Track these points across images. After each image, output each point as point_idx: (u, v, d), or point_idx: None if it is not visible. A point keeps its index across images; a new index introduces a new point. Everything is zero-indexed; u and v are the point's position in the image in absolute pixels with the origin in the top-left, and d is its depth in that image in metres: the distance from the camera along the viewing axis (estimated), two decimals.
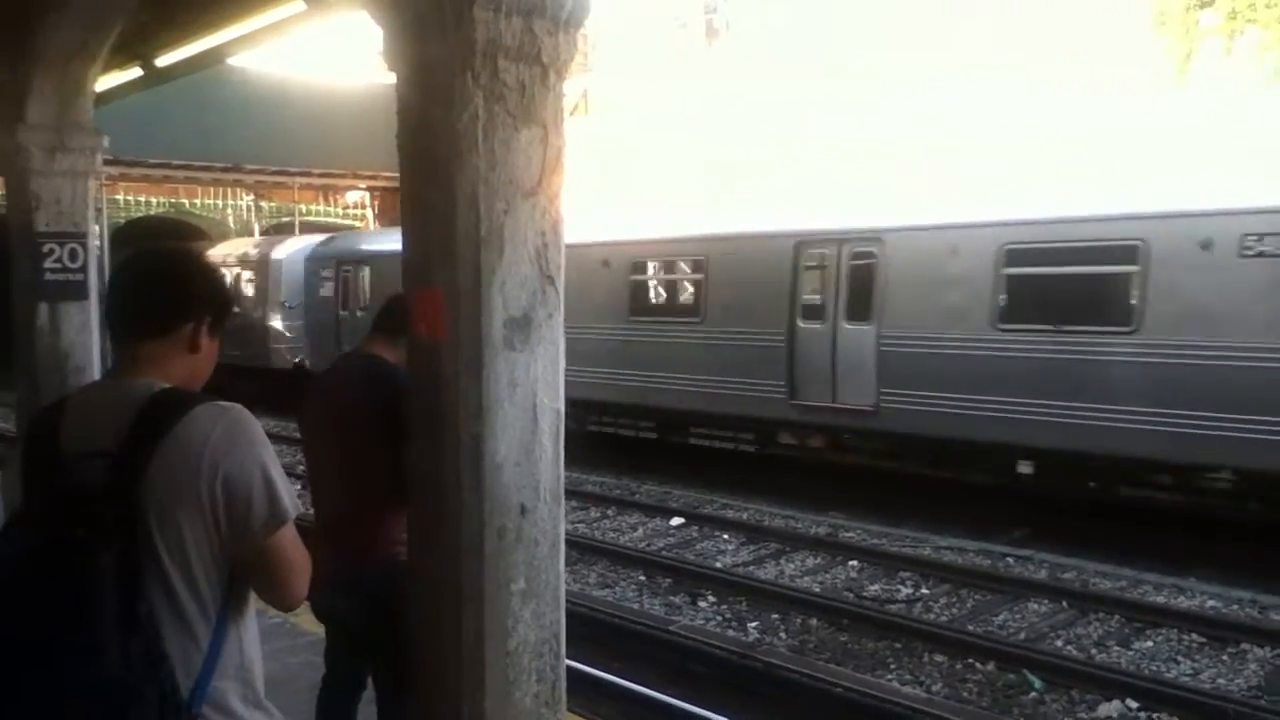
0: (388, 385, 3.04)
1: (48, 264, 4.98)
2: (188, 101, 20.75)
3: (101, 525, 1.80)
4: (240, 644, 1.98)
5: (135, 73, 5.62)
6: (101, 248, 24.40)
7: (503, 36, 2.51)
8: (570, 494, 12.63)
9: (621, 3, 27.60)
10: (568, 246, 2.73)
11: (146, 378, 1.99)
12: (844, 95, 21.06)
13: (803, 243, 12.81)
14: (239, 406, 1.96)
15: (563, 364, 2.77)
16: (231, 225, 26.01)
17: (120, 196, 24.32)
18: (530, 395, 2.67)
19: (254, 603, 2.05)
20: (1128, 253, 10.24)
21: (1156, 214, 10.23)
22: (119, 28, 4.73)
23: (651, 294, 15.08)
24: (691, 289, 14.28)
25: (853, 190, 15.45)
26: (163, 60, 5.46)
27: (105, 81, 5.83)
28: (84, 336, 5.25)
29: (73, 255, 5.04)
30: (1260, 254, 9.31)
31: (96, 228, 23.49)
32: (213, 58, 5.51)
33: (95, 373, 5.32)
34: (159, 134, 21.85)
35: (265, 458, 1.93)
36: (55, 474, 1.90)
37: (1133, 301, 10.19)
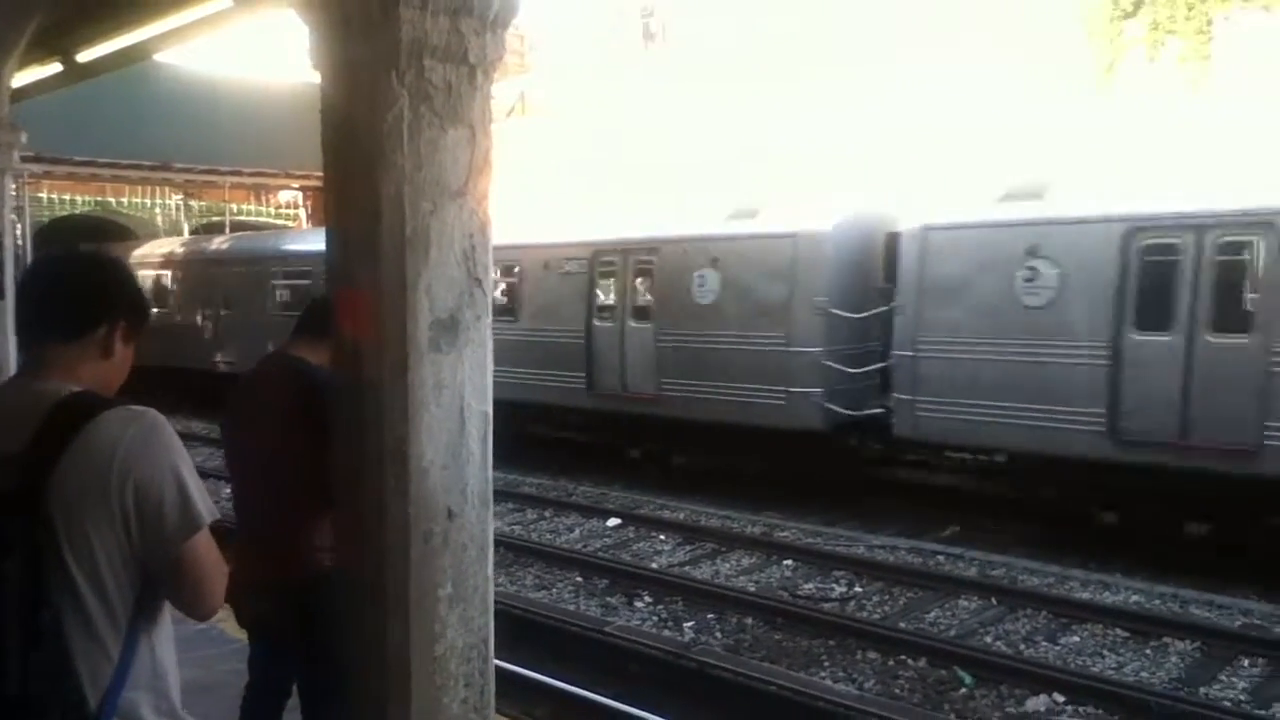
0: (310, 387, 3.00)
1: None
2: (115, 98, 20.32)
3: (2, 532, 1.76)
4: (153, 653, 1.94)
5: (55, 68, 5.47)
6: (23, 247, 23.81)
7: (429, 36, 2.49)
8: (507, 495, 12.79)
9: (559, 5, 27.55)
10: None
11: (55, 381, 1.94)
12: (751, 102, 21.28)
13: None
14: (152, 411, 1.92)
15: (491, 366, 2.75)
16: (160, 225, 25.47)
17: (44, 195, 23.72)
18: (458, 398, 2.65)
19: (170, 610, 2.00)
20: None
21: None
22: (35, 22, 4.60)
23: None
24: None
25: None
26: (84, 56, 5.31)
27: (24, 76, 5.68)
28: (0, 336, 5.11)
29: None
30: None
31: (17, 226, 22.94)
32: (137, 54, 5.37)
33: (10, 371, 5.16)
34: (86, 131, 21.36)
35: (179, 463, 1.89)
36: None
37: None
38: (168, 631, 1.99)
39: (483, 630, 2.76)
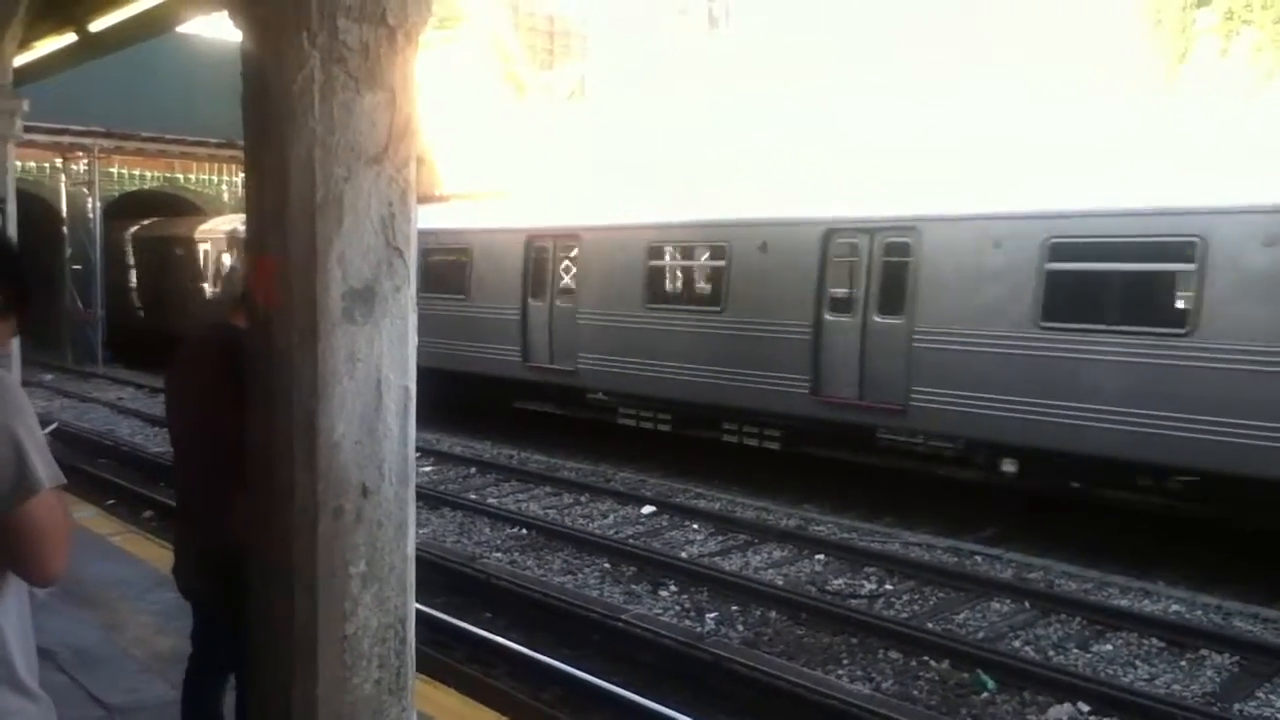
0: (235, 355, 2.94)
1: None
2: (182, 76, 20.72)
3: None
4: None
5: (70, 38, 5.49)
6: (94, 219, 24.47)
7: None
8: (544, 479, 12.77)
9: None
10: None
11: None
12: (809, 95, 21.03)
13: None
14: (4, 375, 1.90)
15: (414, 339, 2.66)
16: (226, 201, 25.94)
17: (114, 169, 24.28)
18: (374, 371, 2.57)
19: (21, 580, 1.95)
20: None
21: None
22: None
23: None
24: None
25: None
26: (96, 25, 5.33)
27: (42, 47, 5.73)
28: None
29: None
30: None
31: (89, 198, 23.40)
32: (150, 23, 5.37)
33: (15, 340, 5.22)
34: (155, 109, 21.80)
35: (16, 425, 1.85)
36: None
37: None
38: (15, 600, 1.93)
39: (400, 610, 2.69)
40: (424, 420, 2.84)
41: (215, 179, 25.64)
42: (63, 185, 24.13)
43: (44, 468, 1.86)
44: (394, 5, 2.47)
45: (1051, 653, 7.82)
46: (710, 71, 23.20)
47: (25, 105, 5.07)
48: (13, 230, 5.08)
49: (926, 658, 7.58)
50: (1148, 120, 14.29)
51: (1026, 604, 8.74)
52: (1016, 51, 17.84)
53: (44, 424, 2.31)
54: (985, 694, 7.07)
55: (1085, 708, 6.82)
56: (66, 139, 22.49)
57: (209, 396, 3.01)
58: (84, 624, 5.36)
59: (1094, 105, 16.18)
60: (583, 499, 12.39)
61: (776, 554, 10.26)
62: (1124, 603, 8.84)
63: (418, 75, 2.59)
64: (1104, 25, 16.29)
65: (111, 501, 10.00)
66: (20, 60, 5.35)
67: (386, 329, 2.57)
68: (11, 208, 5.09)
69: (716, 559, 10.08)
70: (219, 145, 24.02)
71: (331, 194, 2.45)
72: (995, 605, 8.75)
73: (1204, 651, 7.77)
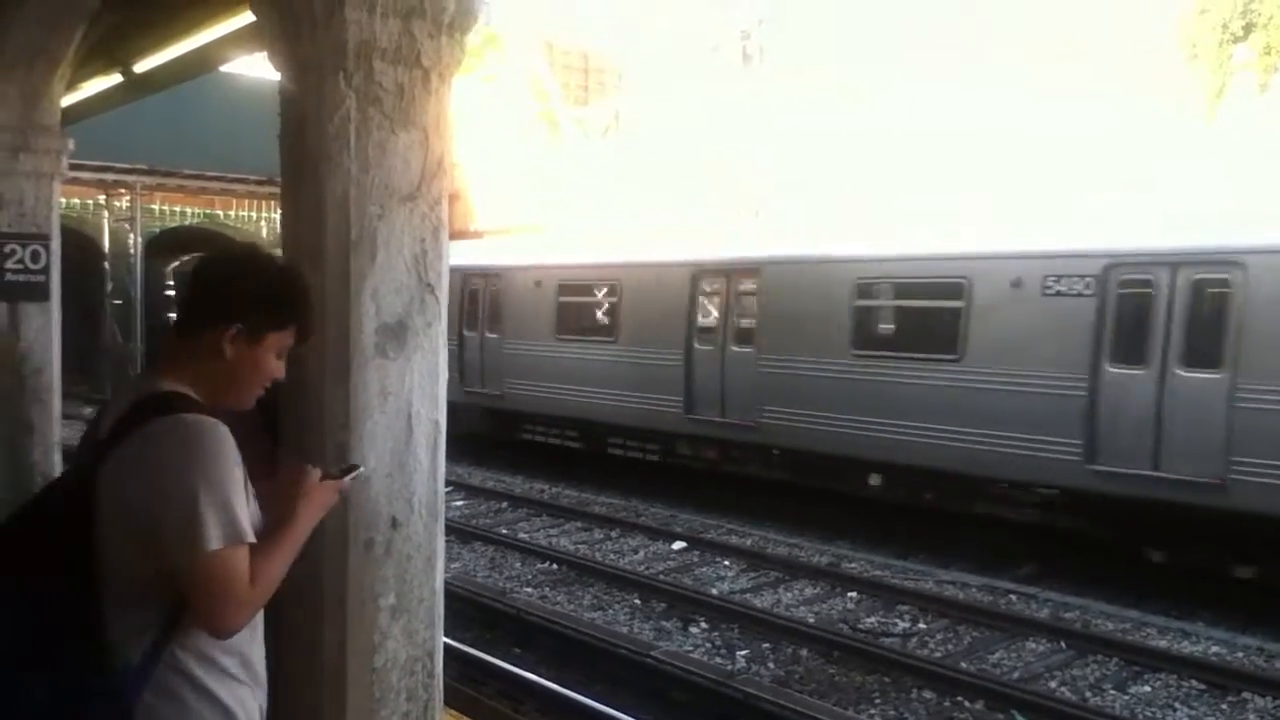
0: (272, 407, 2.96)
1: (9, 264, 5.00)
2: (223, 115, 21.08)
3: (74, 510, 1.92)
4: (182, 653, 1.96)
5: (116, 79, 5.63)
6: (135, 255, 24.87)
7: (378, 38, 2.46)
8: (575, 514, 12.77)
9: (655, 26, 27.69)
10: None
11: (165, 377, 2.01)
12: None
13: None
14: (204, 422, 1.92)
15: (444, 374, 2.70)
16: (265, 237, 26.28)
17: (156, 206, 24.69)
18: (405, 405, 2.60)
19: None
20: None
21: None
22: (82, 30, 4.76)
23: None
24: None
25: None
26: (141, 66, 5.46)
27: (89, 87, 5.87)
28: (44, 337, 5.26)
29: (34, 256, 5.06)
30: None
31: (130, 235, 23.73)
32: (195, 64, 5.50)
33: (55, 373, 5.33)
34: (195, 147, 22.18)
35: (197, 480, 1.86)
36: (82, 457, 2.04)
37: None
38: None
39: (428, 643, 2.70)
40: (455, 454, 2.87)
41: (254, 215, 25.98)
42: (105, 222, 24.57)
43: (218, 527, 1.85)
44: (428, 48, 2.53)
45: (1088, 694, 7.71)
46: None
47: (71, 144, 5.19)
48: (56, 267, 5.20)
49: (960, 698, 7.50)
50: None
51: (1063, 644, 8.62)
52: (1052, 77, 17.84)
53: (349, 468, 2.39)
54: None
55: None
56: (110, 176, 22.90)
57: (252, 424, 3.03)
58: None
59: None
60: (613, 534, 12.37)
61: (808, 591, 10.18)
62: (1163, 644, 8.70)
63: (452, 113, 2.64)
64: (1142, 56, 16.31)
65: None
66: (67, 100, 5.49)
67: (418, 364, 2.61)
68: (56, 244, 5.20)
69: (748, 596, 10.02)
70: (258, 182, 24.37)
71: (365, 231, 2.50)
72: (1031, 645, 8.64)
73: (1245, 694, 7.64)
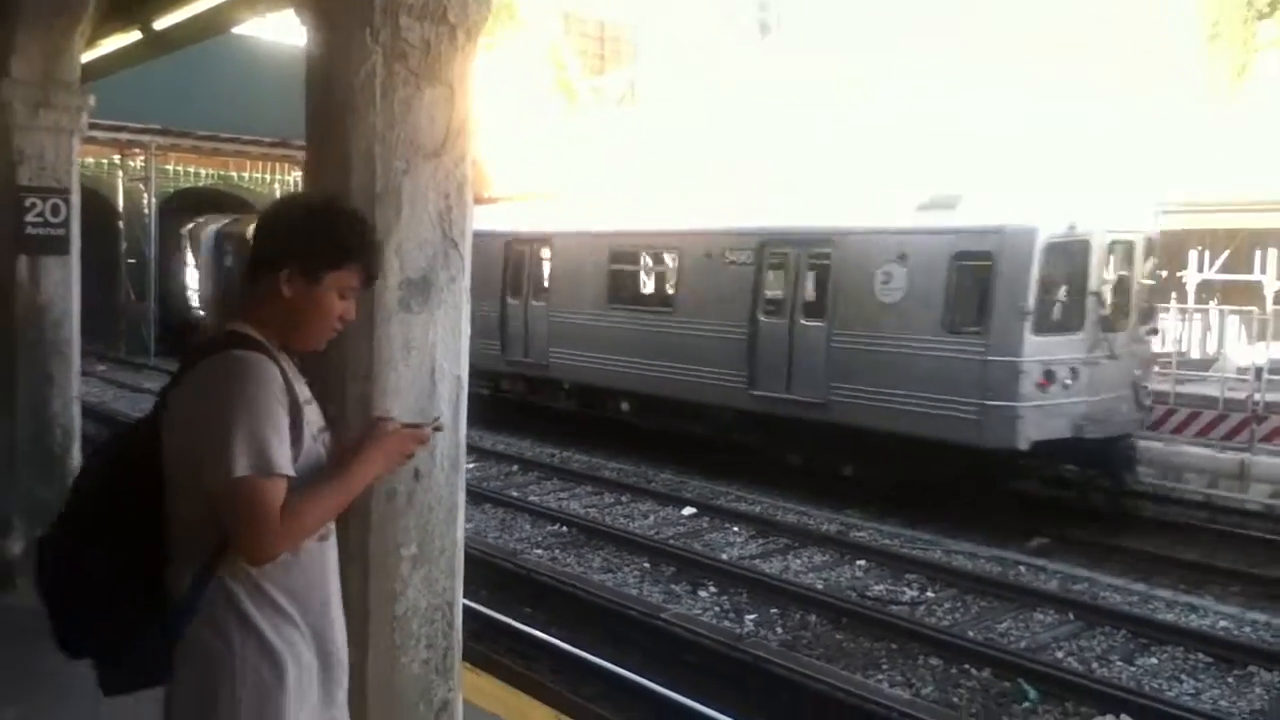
0: None
1: (29, 218, 5.05)
2: (239, 76, 21.09)
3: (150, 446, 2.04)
4: (233, 584, 2.02)
5: (135, 36, 5.65)
6: (150, 215, 24.96)
7: None
8: (585, 478, 12.85)
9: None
10: None
11: (234, 321, 2.09)
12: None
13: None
14: (249, 356, 1.98)
15: (467, 329, 2.73)
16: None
17: (170, 166, 24.75)
18: (428, 359, 2.64)
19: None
20: None
21: None
22: None
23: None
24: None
25: None
26: (160, 23, 5.47)
27: (108, 44, 5.88)
28: (63, 290, 5.32)
29: (55, 210, 5.10)
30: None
31: (145, 195, 23.99)
32: (213, 22, 5.51)
33: (74, 327, 5.39)
34: (210, 108, 22.19)
35: (242, 408, 1.92)
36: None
37: None
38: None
39: (448, 593, 2.75)
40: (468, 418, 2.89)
41: (267, 177, 26.03)
42: (120, 181, 24.65)
43: (246, 455, 1.90)
44: (455, 3, 2.54)
45: (1095, 665, 7.75)
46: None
47: (92, 101, 5.22)
48: (76, 221, 5.24)
49: (967, 665, 7.55)
50: None
51: (1070, 615, 8.66)
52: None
53: (428, 419, 2.46)
54: (1027, 703, 7.03)
55: None
56: (124, 136, 22.97)
57: None
58: None
59: None
60: (623, 499, 12.45)
61: (817, 558, 10.25)
62: (1170, 617, 8.72)
63: (476, 71, 2.66)
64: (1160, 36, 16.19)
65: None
66: (87, 57, 5.50)
67: (441, 318, 2.64)
68: (75, 199, 5.24)
69: (757, 561, 10.09)
70: (272, 144, 24.41)
71: (390, 186, 2.52)
72: (1038, 616, 8.69)
73: (1252, 668, 7.67)
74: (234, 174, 25.83)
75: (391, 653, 2.65)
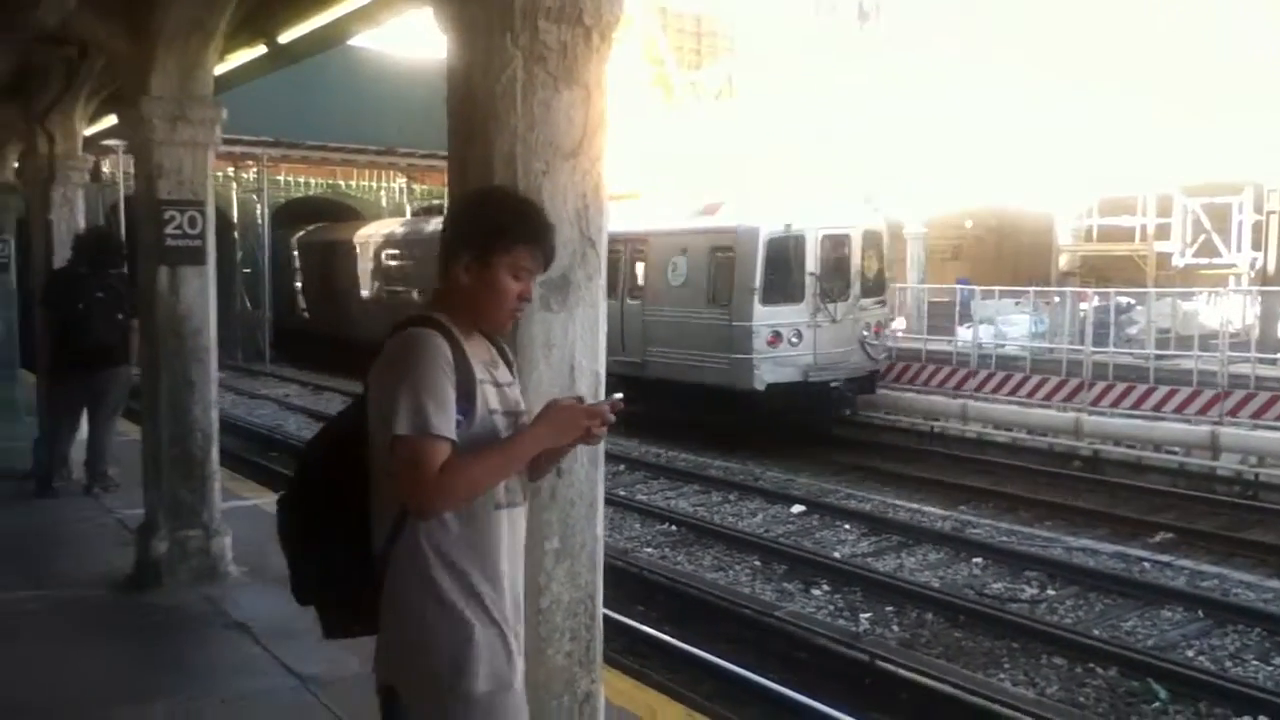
0: None
1: (169, 230, 5.27)
2: (345, 87, 21.60)
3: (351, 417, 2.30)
4: (432, 531, 2.16)
5: (260, 50, 5.85)
6: (263, 225, 25.76)
7: None
8: (692, 477, 12.89)
9: None
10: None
11: (429, 308, 2.27)
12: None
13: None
14: (425, 332, 2.15)
15: (604, 326, 2.76)
16: (384, 206, 26.90)
17: (281, 177, 25.48)
18: (568, 357, 2.68)
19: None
20: None
21: None
22: (234, 4, 4.95)
23: None
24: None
25: None
26: (284, 37, 5.66)
27: (235, 59, 6.10)
28: (201, 299, 5.53)
29: (192, 222, 5.31)
30: None
31: (258, 205, 24.91)
32: (333, 35, 5.68)
33: (212, 333, 5.60)
34: (318, 119, 22.79)
35: (409, 376, 2.10)
36: None
37: None
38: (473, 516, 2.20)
39: (589, 586, 2.79)
40: None
41: (375, 185, 26.64)
42: (234, 193, 25.49)
43: (408, 415, 2.07)
44: (590, 6, 2.58)
45: (1229, 664, 7.49)
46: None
47: (225, 114, 5.41)
48: (211, 232, 5.44)
49: (1093, 665, 7.35)
50: None
51: (1200, 612, 8.37)
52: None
53: (611, 391, 2.55)
54: (1157, 704, 6.82)
55: None
56: (238, 149, 23.76)
57: None
58: (276, 601, 5.65)
59: None
60: (731, 497, 12.43)
61: (932, 556, 10.09)
62: None
63: (608, 74, 2.69)
64: None
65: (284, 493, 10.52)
66: (217, 72, 5.71)
67: (580, 317, 2.69)
68: (210, 210, 5.44)
69: (869, 560, 9.98)
70: (378, 153, 24.97)
71: (531, 187, 2.57)
72: (1166, 613, 8.42)
73: None
74: (341, 182, 26.50)
75: (537, 646, 2.69)
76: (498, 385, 2.26)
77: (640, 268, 17.07)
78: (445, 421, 2.09)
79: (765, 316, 15.11)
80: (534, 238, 2.27)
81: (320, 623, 2.37)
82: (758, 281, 15.01)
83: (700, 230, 16.11)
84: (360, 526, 2.24)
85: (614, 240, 15.77)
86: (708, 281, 15.75)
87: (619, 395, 2.32)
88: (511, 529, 2.28)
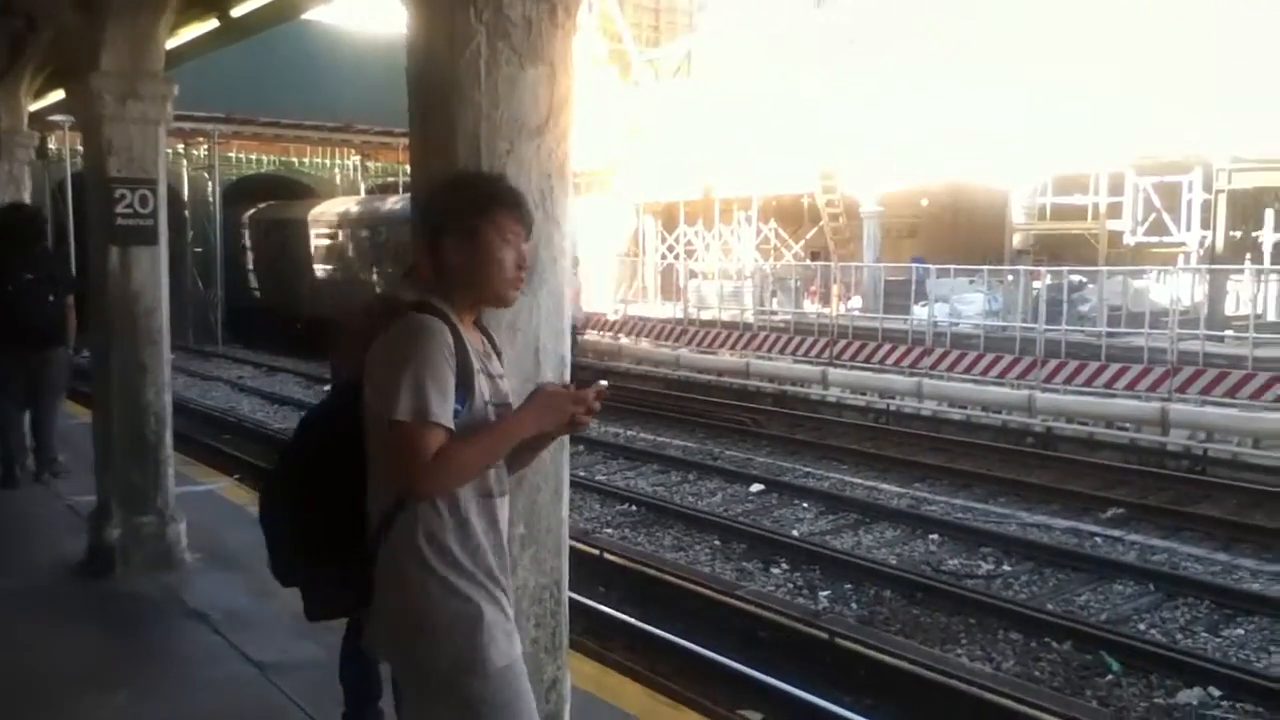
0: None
1: (119, 209, 5.14)
2: (298, 62, 21.25)
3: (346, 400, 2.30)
4: (426, 516, 2.17)
5: (213, 24, 5.71)
6: (214, 202, 25.34)
7: None
8: (651, 457, 12.87)
9: None
10: None
11: (425, 294, 2.26)
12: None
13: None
14: (423, 316, 2.16)
15: (569, 309, 2.72)
16: (338, 184, 26.55)
17: (233, 154, 25.04)
18: (532, 340, 2.64)
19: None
20: None
21: None
22: None
23: None
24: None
25: None
26: (237, 11, 5.53)
27: (187, 33, 5.95)
28: (153, 280, 5.41)
29: (143, 201, 5.18)
30: None
31: (209, 183, 24.60)
32: (286, 8, 5.58)
33: (164, 315, 5.49)
34: (270, 94, 22.41)
35: (412, 361, 2.11)
36: None
37: None
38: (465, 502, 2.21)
39: (555, 572, 2.76)
40: None
41: (328, 162, 26.27)
42: (185, 170, 25.02)
43: (408, 401, 2.08)
44: None
45: (1179, 636, 7.63)
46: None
47: (176, 90, 5.28)
48: (163, 211, 5.32)
49: (1048, 639, 7.45)
50: None
51: (1150, 586, 8.53)
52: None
53: (598, 377, 2.53)
54: (1110, 676, 6.93)
55: (1216, 692, 6.64)
56: (188, 125, 23.31)
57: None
58: (233, 588, 5.60)
59: None
60: (690, 476, 12.45)
61: (889, 533, 10.18)
62: (1256, 586, 8.57)
63: (573, 51, 2.64)
64: None
65: (238, 476, 10.39)
66: (167, 47, 5.57)
67: (544, 299, 2.64)
68: (163, 189, 5.30)
69: (828, 537, 10.05)
70: (332, 129, 24.62)
71: (495, 167, 2.52)
72: (1118, 587, 8.56)
73: None
74: (294, 160, 26.11)
75: None
76: (490, 376, 2.28)
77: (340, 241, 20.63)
78: (444, 409, 2.11)
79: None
80: (513, 202, 2.29)
81: (305, 606, 2.38)
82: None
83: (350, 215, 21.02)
84: (349, 507, 2.25)
85: (380, 220, 21.49)
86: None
87: (604, 383, 2.30)
88: (502, 518, 2.32)
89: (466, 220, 2.24)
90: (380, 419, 2.13)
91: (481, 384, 2.22)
